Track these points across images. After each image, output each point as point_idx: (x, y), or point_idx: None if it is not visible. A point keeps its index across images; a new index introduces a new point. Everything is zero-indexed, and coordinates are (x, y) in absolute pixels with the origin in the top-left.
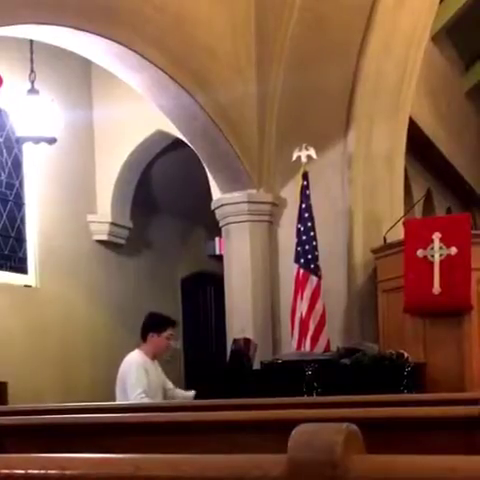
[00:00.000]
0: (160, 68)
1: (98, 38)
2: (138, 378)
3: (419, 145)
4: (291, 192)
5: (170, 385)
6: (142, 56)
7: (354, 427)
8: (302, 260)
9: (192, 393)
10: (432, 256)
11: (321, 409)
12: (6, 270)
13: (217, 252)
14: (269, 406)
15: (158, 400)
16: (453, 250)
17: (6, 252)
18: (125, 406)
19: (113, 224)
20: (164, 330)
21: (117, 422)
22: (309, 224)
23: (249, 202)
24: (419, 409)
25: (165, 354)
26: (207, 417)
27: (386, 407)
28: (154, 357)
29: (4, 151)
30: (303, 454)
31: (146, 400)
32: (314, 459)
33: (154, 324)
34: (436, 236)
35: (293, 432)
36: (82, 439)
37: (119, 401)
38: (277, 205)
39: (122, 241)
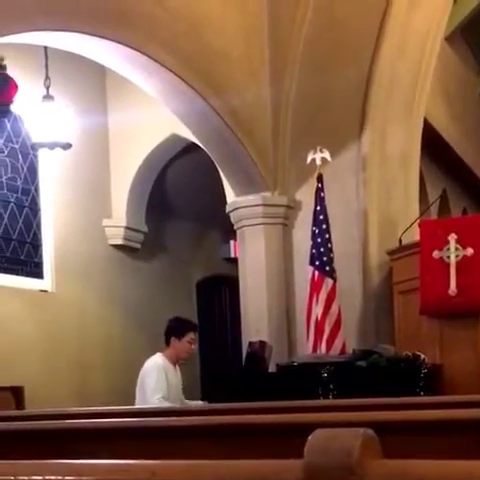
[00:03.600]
0: (173, 72)
1: (111, 43)
2: (158, 382)
3: (434, 146)
4: (306, 194)
5: (182, 396)
6: (155, 60)
7: (371, 432)
8: (317, 262)
9: (199, 403)
10: (448, 257)
11: (337, 412)
12: (22, 275)
13: (232, 255)
14: (285, 409)
15: (178, 403)
16: (469, 251)
17: (22, 257)
18: (139, 410)
19: (128, 228)
20: (184, 334)
21: (131, 427)
22: (324, 226)
23: (264, 205)
24: (437, 412)
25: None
26: (221, 421)
27: (403, 410)
28: (176, 362)
29: (20, 157)
30: (320, 459)
31: (165, 405)
32: (331, 464)
33: (175, 329)
34: (452, 237)
35: (310, 437)
36: (96, 444)
37: (138, 401)
38: (292, 208)
39: (137, 245)
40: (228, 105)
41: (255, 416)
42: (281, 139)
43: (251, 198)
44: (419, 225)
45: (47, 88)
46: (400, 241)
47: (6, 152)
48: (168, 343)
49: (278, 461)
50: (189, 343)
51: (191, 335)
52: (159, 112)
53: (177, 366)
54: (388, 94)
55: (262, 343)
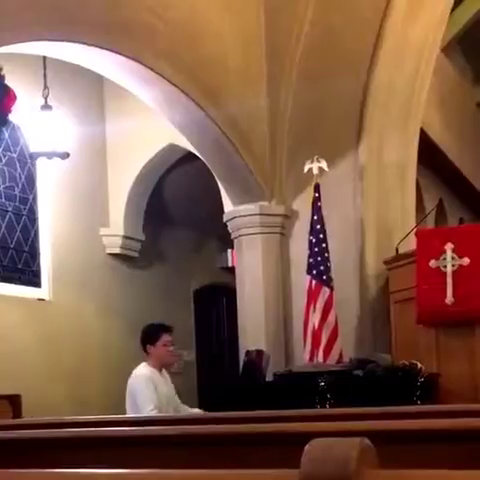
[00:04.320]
0: (171, 82)
1: (110, 53)
2: (147, 394)
3: (430, 155)
4: (303, 204)
5: (177, 400)
6: (153, 70)
7: (368, 441)
8: (314, 271)
9: (197, 411)
10: (444, 266)
11: (334, 422)
12: (20, 284)
13: (229, 264)
14: (281, 418)
15: (170, 411)
16: (466, 260)
17: (20, 266)
18: (135, 419)
19: (126, 237)
20: (157, 339)
21: (128, 436)
22: (321, 236)
23: (261, 214)
24: (434, 421)
25: (176, 364)
26: (218, 430)
27: (400, 419)
28: (160, 368)
29: (18, 166)
30: (316, 469)
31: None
32: (328, 474)
33: (146, 335)
34: (448, 246)
35: (306, 447)
36: (94, 453)
37: (129, 412)
38: (289, 217)
39: (135, 254)
40: (226, 115)
41: (252, 425)
42: (278, 149)
43: (248, 207)
44: (416, 234)
45: (45, 98)
46: (397, 250)
47: (4, 161)
48: (146, 352)
49: (275, 471)
50: (165, 346)
51: (165, 338)
52: (157, 122)
53: (164, 372)
54: (385, 104)
55: (259, 352)
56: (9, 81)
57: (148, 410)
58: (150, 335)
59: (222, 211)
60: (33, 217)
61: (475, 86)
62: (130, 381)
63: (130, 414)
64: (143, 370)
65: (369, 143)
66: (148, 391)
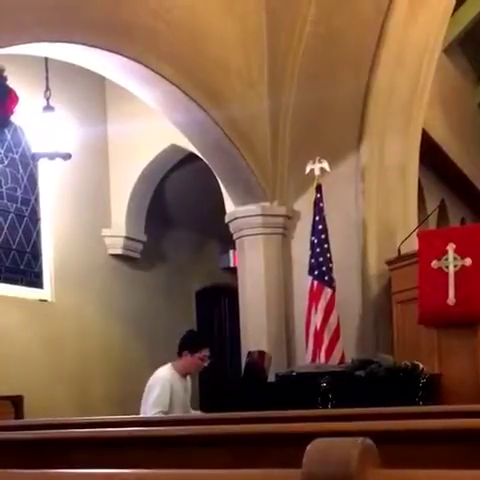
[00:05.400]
0: (173, 83)
1: (111, 54)
2: (160, 397)
3: (432, 156)
4: (304, 205)
5: (189, 407)
6: (155, 71)
7: (369, 441)
8: (316, 272)
9: (198, 413)
10: (446, 267)
11: (336, 422)
12: (22, 285)
13: (231, 265)
14: (283, 419)
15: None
16: (468, 261)
17: (22, 267)
18: (138, 420)
19: (128, 238)
20: (198, 351)
21: (125, 436)
22: (323, 236)
23: (263, 215)
24: (435, 421)
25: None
26: (220, 430)
27: (401, 419)
28: (185, 374)
29: (20, 167)
30: (318, 469)
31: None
32: (329, 474)
33: (190, 343)
34: (450, 247)
35: (308, 447)
36: (95, 453)
37: (142, 410)
38: (290, 218)
39: (137, 255)
40: (227, 116)
41: (253, 426)
42: (280, 149)
43: (250, 208)
44: (418, 235)
45: (47, 99)
46: (399, 251)
47: (6, 162)
48: (180, 355)
49: (277, 471)
50: (201, 360)
51: (205, 351)
52: (159, 123)
53: (188, 378)
54: (386, 105)
55: (261, 353)
56: (11, 82)
57: (153, 412)
58: (193, 344)
59: (224, 212)
60: (35, 218)
61: (477, 87)
62: (151, 379)
63: (142, 408)
64: (165, 371)
65: (371, 144)
66: (162, 394)
